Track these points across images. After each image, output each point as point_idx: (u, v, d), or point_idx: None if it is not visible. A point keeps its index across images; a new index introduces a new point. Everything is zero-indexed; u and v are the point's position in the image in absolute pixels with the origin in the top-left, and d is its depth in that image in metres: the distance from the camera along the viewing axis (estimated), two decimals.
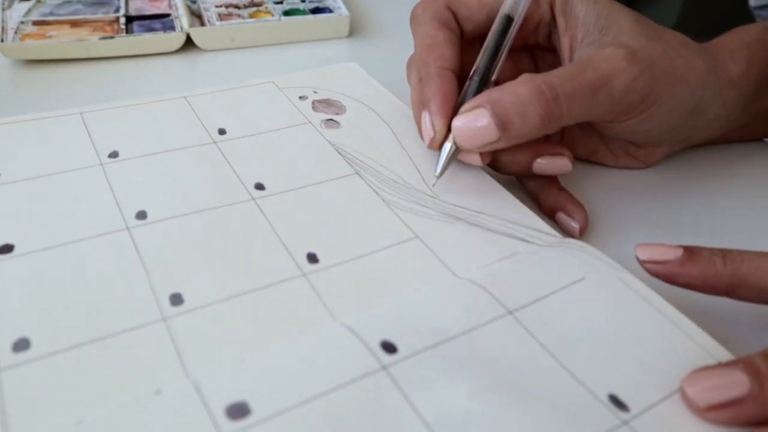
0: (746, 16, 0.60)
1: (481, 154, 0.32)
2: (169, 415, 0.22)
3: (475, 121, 0.30)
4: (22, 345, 0.24)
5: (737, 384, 0.23)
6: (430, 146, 0.33)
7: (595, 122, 0.34)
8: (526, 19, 0.35)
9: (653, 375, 0.24)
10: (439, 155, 0.33)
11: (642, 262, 0.28)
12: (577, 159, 0.38)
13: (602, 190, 0.37)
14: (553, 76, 0.30)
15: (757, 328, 0.29)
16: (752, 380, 0.22)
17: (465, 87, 0.33)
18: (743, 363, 0.23)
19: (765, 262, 0.26)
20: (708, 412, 0.23)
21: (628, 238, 0.33)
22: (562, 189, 0.35)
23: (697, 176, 0.39)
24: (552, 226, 0.32)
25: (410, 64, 0.37)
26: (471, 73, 0.34)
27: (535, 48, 0.38)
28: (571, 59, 0.34)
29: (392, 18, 0.59)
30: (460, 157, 0.33)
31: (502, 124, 0.30)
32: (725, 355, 0.25)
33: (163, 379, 0.23)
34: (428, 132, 0.32)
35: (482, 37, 0.35)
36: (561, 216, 0.34)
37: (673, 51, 0.33)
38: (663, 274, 0.28)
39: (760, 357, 0.23)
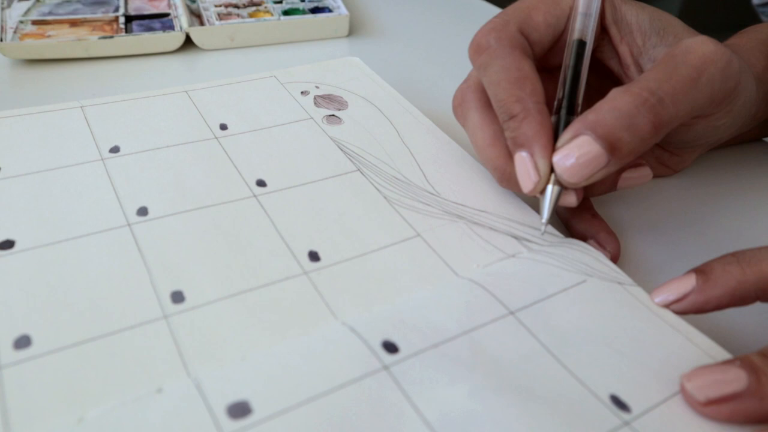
0: (747, 14, 0.60)
1: (576, 190, 0.30)
2: (170, 414, 0.22)
3: (580, 151, 0.28)
4: (23, 342, 0.24)
5: (735, 379, 0.23)
6: (531, 192, 0.30)
7: (684, 123, 0.32)
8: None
9: (654, 376, 0.24)
10: (542, 200, 0.30)
11: (663, 307, 0.27)
12: None
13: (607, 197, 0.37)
14: (647, 81, 0.28)
15: (755, 329, 0.29)
16: (750, 375, 0.23)
17: (552, 122, 0.31)
18: (741, 360, 0.23)
19: None
20: (707, 406, 0.23)
21: (636, 243, 0.34)
22: (595, 215, 0.33)
23: (701, 177, 0.39)
24: (554, 226, 0.32)
25: (465, 101, 0.34)
26: (555, 107, 0.31)
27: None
28: (636, 66, 0.33)
29: (392, 18, 0.59)
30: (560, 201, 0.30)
31: (611, 145, 0.27)
32: (724, 356, 0.25)
33: (164, 378, 0.23)
34: (531, 176, 0.29)
35: (545, 60, 0.33)
36: (592, 243, 0.32)
37: None
38: (690, 310, 0.26)
39: (757, 355, 0.23)
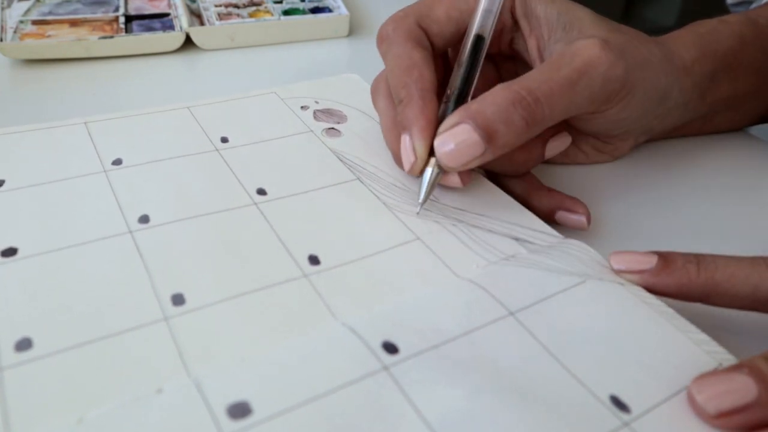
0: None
1: (460, 174, 0.32)
2: (170, 415, 0.22)
3: (458, 137, 0.29)
4: (24, 344, 0.24)
5: (745, 389, 0.22)
6: (410, 172, 0.31)
7: (576, 117, 0.34)
8: None
9: (654, 376, 0.24)
10: (421, 182, 0.31)
11: (617, 272, 0.29)
12: (550, 162, 0.38)
13: (584, 188, 0.37)
14: (529, 80, 0.30)
15: (756, 327, 0.29)
16: (759, 384, 0.22)
17: (441, 109, 0.32)
18: (748, 367, 0.23)
19: (738, 269, 0.27)
20: (717, 419, 0.22)
21: (609, 233, 0.34)
22: (551, 189, 0.35)
23: (674, 168, 0.40)
24: (553, 227, 0.32)
25: (377, 88, 0.36)
26: (446, 95, 0.33)
27: (497, 56, 0.38)
28: (541, 59, 0.35)
29: None
30: (442, 181, 0.32)
31: (488, 135, 0.29)
32: (725, 356, 0.25)
33: (164, 379, 0.23)
34: (409, 157, 0.31)
35: (449, 50, 0.35)
36: (562, 214, 0.33)
37: (635, 40, 0.33)
38: (638, 284, 0.28)
39: (763, 360, 0.23)
